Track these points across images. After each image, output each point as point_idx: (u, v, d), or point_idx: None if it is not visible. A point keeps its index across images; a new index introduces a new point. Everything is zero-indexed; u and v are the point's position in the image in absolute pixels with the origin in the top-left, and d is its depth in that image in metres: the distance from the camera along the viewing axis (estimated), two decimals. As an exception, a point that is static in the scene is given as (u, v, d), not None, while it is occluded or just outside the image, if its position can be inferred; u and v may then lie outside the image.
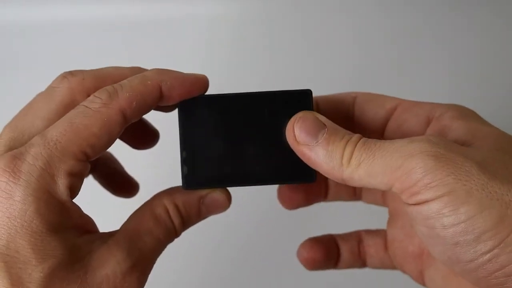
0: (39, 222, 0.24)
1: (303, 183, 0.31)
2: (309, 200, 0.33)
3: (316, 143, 0.26)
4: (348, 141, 0.26)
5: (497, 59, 0.59)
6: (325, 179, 0.34)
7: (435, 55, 0.59)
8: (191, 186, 0.29)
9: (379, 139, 0.29)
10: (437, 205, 0.23)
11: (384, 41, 0.60)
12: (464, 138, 0.26)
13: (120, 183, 0.36)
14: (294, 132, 0.27)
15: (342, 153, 0.26)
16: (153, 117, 0.34)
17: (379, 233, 0.34)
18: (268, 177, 0.29)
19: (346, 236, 0.35)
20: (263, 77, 0.59)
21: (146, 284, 0.28)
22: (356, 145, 0.25)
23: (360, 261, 0.34)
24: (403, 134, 0.29)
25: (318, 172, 0.33)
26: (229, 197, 0.30)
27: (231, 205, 0.30)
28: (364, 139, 0.26)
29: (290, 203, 0.33)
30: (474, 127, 0.27)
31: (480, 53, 0.59)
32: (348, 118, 0.31)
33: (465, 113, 0.28)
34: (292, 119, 0.28)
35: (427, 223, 0.23)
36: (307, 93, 0.28)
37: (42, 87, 0.29)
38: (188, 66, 0.31)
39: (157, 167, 0.44)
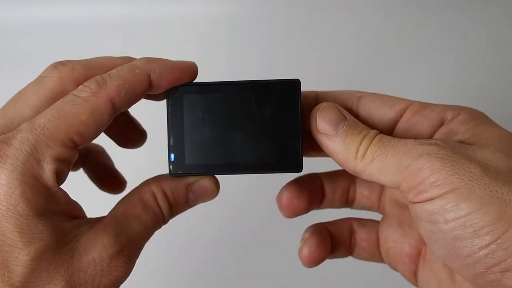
0: (25, 206, 0.24)
1: (290, 172, 0.31)
2: (307, 208, 0.33)
3: (335, 133, 0.27)
4: (365, 136, 0.27)
5: (501, 58, 0.59)
6: (322, 186, 0.34)
7: (438, 54, 0.60)
8: (178, 173, 0.29)
9: None
10: (441, 201, 0.24)
11: (385, 40, 0.60)
12: (469, 142, 0.27)
13: (108, 179, 0.37)
14: (316, 120, 0.28)
15: (358, 147, 0.27)
16: (147, 113, 0.34)
17: (373, 227, 0.34)
18: (255, 165, 0.29)
19: (338, 226, 0.34)
20: (262, 75, 0.59)
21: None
22: (372, 141, 0.27)
23: (348, 252, 0.34)
24: (414, 136, 0.29)
25: (313, 176, 0.32)
26: (217, 184, 0.30)
27: (238, 203, 0.30)
28: (380, 135, 0.27)
29: (290, 211, 0.33)
30: (481, 130, 0.27)
31: (484, 51, 0.60)
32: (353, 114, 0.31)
33: (474, 116, 0.29)
34: (316, 107, 0.29)
35: (430, 218, 0.24)
36: (295, 82, 0.29)
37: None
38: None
39: (146, 165, 0.44)
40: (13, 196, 0.24)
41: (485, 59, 0.60)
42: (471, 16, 0.61)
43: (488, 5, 0.61)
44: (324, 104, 0.29)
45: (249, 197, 0.54)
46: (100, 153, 0.36)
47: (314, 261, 0.33)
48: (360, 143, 0.27)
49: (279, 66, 0.60)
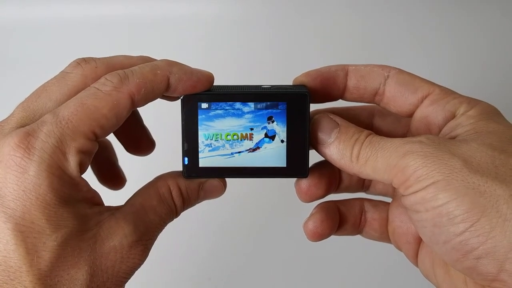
0: (53, 196, 0.25)
1: (296, 177, 0.33)
2: (325, 194, 0.34)
3: (330, 142, 0.30)
4: (356, 140, 0.29)
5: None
6: (339, 172, 0.35)
7: (439, 52, 0.62)
8: (191, 176, 0.31)
9: (408, 122, 0.32)
10: (422, 193, 0.26)
11: (386, 40, 0.62)
12: (469, 135, 0.28)
13: (110, 174, 0.37)
14: (313, 133, 0.30)
15: (351, 152, 0.29)
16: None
17: (384, 207, 0.35)
18: (264, 171, 0.31)
19: (349, 205, 0.35)
20: (263, 75, 0.60)
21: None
22: (362, 144, 0.29)
23: (357, 231, 0.36)
24: (427, 124, 0.31)
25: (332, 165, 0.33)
26: (225, 184, 0.32)
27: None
28: (369, 138, 0.29)
29: (307, 198, 0.34)
30: (481, 125, 0.28)
31: (485, 50, 0.62)
32: (379, 93, 0.32)
33: (484, 112, 0.29)
34: (312, 120, 0.30)
35: (414, 207, 0.27)
36: (305, 95, 0.30)
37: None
38: (189, 63, 0.32)
39: (149, 169, 0.45)
40: (41, 187, 0.25)
41: (487, 57, 0.61)
42: (472, 15, 0.62)
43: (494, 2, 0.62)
44: (316, 116, 0.31)
45: (248, 193, 0.55)
46: (107, 147, 0.36)
47: (317, 236, 0.34)
48: (353, 148, 0.29)
49: (281, 65, 0.61)
